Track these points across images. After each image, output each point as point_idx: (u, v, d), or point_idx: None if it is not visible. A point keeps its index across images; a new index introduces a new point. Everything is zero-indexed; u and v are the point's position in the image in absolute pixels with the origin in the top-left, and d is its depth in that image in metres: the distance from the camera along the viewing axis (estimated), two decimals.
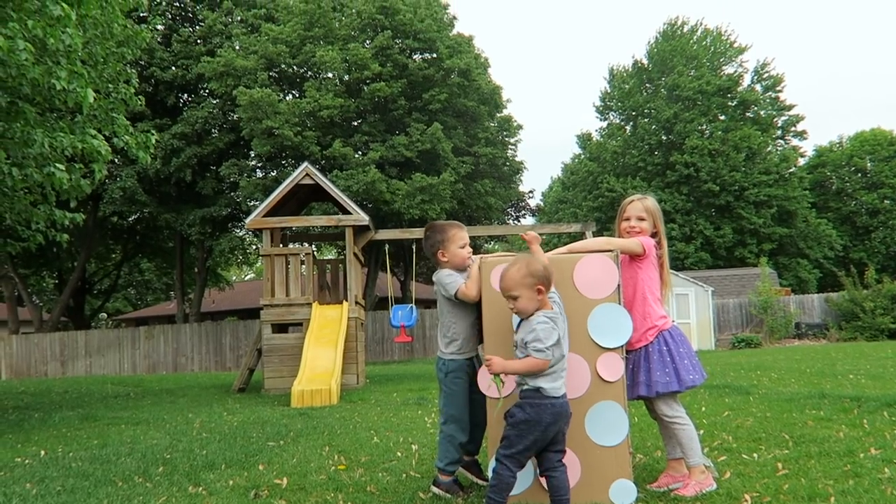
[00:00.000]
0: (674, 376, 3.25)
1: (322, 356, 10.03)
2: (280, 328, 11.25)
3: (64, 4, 6.51)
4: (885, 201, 32.87)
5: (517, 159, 26.11)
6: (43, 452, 5.44)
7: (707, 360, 14.06)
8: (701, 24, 32.85)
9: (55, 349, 22.63)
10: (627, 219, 3.50)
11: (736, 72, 32.00)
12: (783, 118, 32.69)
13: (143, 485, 3.97)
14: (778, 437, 4.50)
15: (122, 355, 22.59)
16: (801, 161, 33.69)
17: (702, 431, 4.88)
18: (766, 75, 32.39)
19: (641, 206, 3.51)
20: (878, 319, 20.86)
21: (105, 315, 41.49)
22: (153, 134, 9.20)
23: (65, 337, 22.95)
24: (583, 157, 35.84)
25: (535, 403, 2.80)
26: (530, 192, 29.79)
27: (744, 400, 6.54)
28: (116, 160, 20.32)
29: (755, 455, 3.96)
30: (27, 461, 5.05)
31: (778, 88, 32.34)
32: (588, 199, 32.89)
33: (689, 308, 20.84)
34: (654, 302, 3.37)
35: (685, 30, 33.13)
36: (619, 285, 3.21)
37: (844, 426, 4.75)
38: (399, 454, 4.63)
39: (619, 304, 3.21)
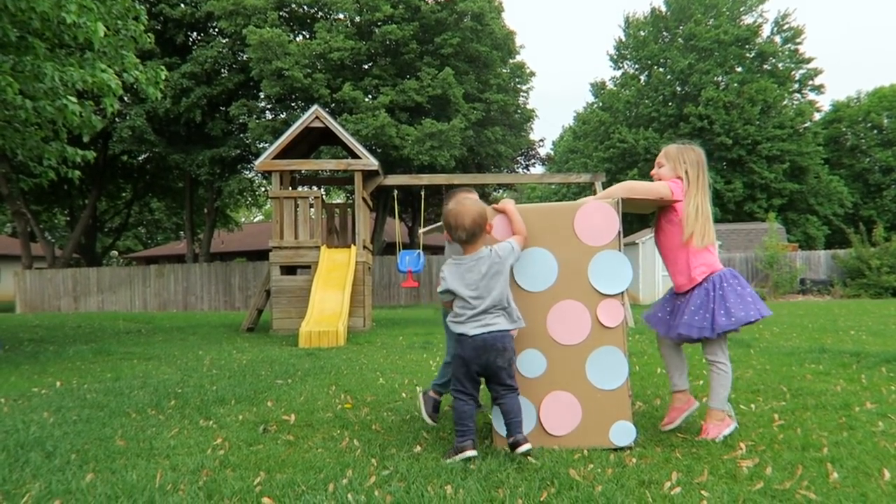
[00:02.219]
0: (709, 322, 3.24)
1: (330, 299, 10.17)
2: (288, 270, 11.37)
3: None
4: None
5: (529, 107, 25.80)
6: (58, 383, 5.61)
7: None
8: None
9: (68, 285, 22.96)
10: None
11: (755, 22, 31.15)
12: (801, 71, 31.95)
13: (155, 417, 4.11)
14: (776, 389, 4.59)
15: (134, 293, 22.92)
16: (817, 116, 33.11)
17: (701, 382, 4.98)
18: (786, 26, 31.53)
19: (662, 151, 3.55)
20: (884, 278, 20.85)
21: (116, 253, 41.92)
22: (162, 70, 9.14)
23: (77, 273, 23.25)
24: (595, 106, 35.32)
25: (457, 343, 3.11)
26: (541, 140, 29.49)
27: (744, 353, 6.63)
28: (126, 98, 20.22)
29: (752, 406, 4.05)
30: (44, 391, 5.22)
31: (798, 41, 31.50)
32: (599, 149, 32.54)
33: None
34: (696, 246, 3.36)
35: None
36: (619, 232, 3.24)
37: (842, 380, 4.83)
38: (403, 395, 4.76)
39: (620, 251, 3.25)
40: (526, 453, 2.95)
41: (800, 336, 8.25)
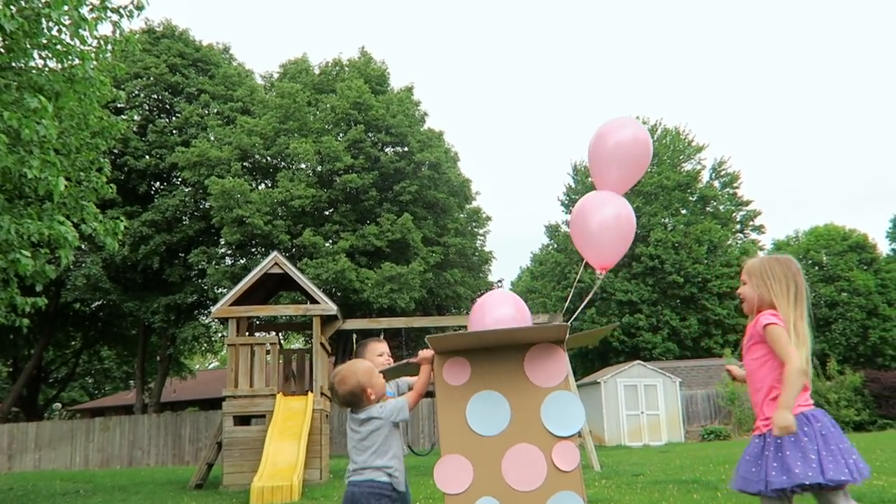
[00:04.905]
0: (762, 476, 2.82)
1: (285, 450, 9.74)
2: (242, 420, 10.94)
3: (42, 97, 6.65)
4: (843, 294, 33.80)
5: (486, 249, 26.51)
6: None
7: (677, 453, 13.93)
8: (660, 123, 34.47)
9: (2, 442, 21.49)
10: None
11: (694, 168, 33.39)
12: (741, 213, 33.92)
13: None
14: None
15: (75, 448, 21.55)
16: (761, 254, 34.68)
17: None
18: (723, 172, 33.82)
19: (745, 267, 3.13)
20: (843, 412, 21.01)
21: (60, 405, 39.86)
22: (122, 220, 9.21)
23: (14, 429, 21.87)
24: (551, 247, 36.51)
25: None
26: (499, 281, 30.04)
27: (711, 496, 6.48)
28: (83, 246, 20.15)
29: None
30: None
31: (735, 185, 33.72)
32: (557, 289, 33.25)
33: (658, 399, 20.79)
34: (760, 390, 3.00)
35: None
36: (569, 373, 3.23)
37: None
38: None
39: (571, 391, 3.23)
40: None
41: None
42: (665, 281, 30.45)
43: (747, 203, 33.85)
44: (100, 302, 23.75)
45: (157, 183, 23.57)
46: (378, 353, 3.79)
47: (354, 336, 12.60)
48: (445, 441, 3.16)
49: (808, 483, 2.68)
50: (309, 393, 11.14)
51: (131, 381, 35.46)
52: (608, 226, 3.66)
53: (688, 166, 33.62)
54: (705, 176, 33.76)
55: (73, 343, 29.38)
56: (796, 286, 2.96)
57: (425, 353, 3.18)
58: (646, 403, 20.63)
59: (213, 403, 28.99)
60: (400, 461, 3.11)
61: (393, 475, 3.05)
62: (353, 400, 3.08)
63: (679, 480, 7.85)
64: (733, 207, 33.79)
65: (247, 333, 12.18)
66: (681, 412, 21.12)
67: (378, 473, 3.02)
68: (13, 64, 7.92)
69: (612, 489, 7.65)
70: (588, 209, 3.81)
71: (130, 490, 10.85)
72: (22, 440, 21.59)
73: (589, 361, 31.04)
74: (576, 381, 18.76)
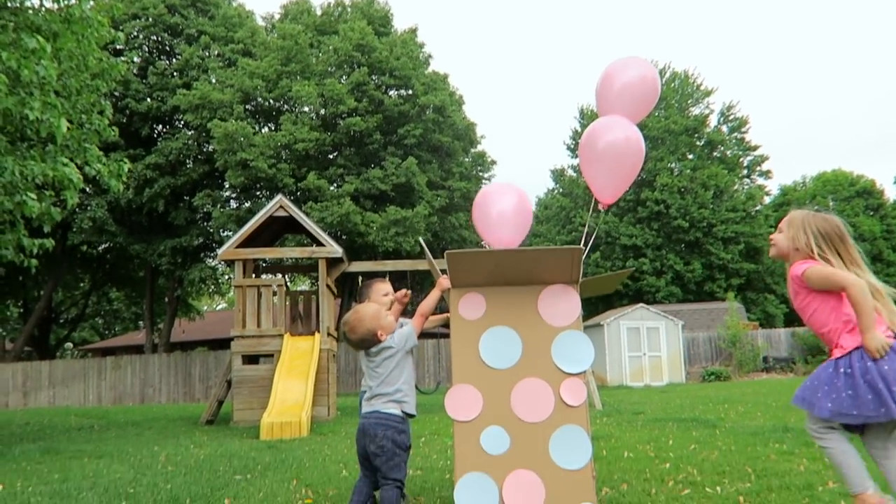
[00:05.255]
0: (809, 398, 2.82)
1: (293, 388, 9.96)
2: (251, 359, 11.15)
3: (39, 38, 6.56)
4: None
5: None
6: (0, 487, 5.32)
7: (678, 393, 14.19)
8: (669, 67, 33.76)
9: (17, 380, 22.03)
10: None
11: (702, 113, 32.87)
12: (748, 158, 33.56)
13: None
14: (741, 470, 4.58)
15: (87, 386, 22.08)
16: (767, 199, 34.55)
17: (668, 465, 4.95)
18: (731, 117, 33.31)
19: (787, 216, 3.08)
20: None
21: (71, 345, 40.60)
22: (125, 162, 9.19)
23: (28, 367, 22.37)
24: (556, 192, 36.35)
25: None
26: None
27: (710, 433, 6.63)
28: (88, 189, 20.16)
29: (718, 488, 4.03)
30: None
31: (743, 130, 33.25)
32: (562, 233, 33.27)
33: (660, 341, 21.05)
34: (831, 329, 2.84)
35: None
36: (580, 314, 3.34)
37: (805, 459, 4.85)
38: None
39: (581, 331, 3.32)
40: None
41: (764, 415, 8.30)
42: (670, 225, 30.39)
43: (755, 148, 33.44)
44: (106, 244, 23.89)
45: (160, 126, 23.40)
46: (383, 293, 3.81)
47: (360, 278, 12.71)
48: (458, 372, 3.28)
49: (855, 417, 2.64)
50: (316, 333, 11.32)
51: (140, 322, 36.01)
52: (616, 145, 3.78)
53: (696, 111, 33.10)
54: (713, 120, 33.28)
55: (81, 284, 29.72)
56: (844, 244, 2.88)
57: (444, 280, 3.34)
58: (648, 345, 20.91)
59: (222, 343, 29.43)
60: (410, 386, 3.27)
61: (403, 400, 3.20)
62: (367, 345, 3.23)
63: (679, 419, 8.03)
64: (741, 152, 33.41)
65: (253, 275, 12.30)
66: (682, 354, 21.41)
67: (388, 405, 3.17)
68: (9, 4, 7.78)
69: (612, 426, 7.84)
70: (598, 129, 3.89)
71: (143, 425, 11.17)
72: (36, 378, 22.11)
73: (593, 304, 31.25)
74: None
